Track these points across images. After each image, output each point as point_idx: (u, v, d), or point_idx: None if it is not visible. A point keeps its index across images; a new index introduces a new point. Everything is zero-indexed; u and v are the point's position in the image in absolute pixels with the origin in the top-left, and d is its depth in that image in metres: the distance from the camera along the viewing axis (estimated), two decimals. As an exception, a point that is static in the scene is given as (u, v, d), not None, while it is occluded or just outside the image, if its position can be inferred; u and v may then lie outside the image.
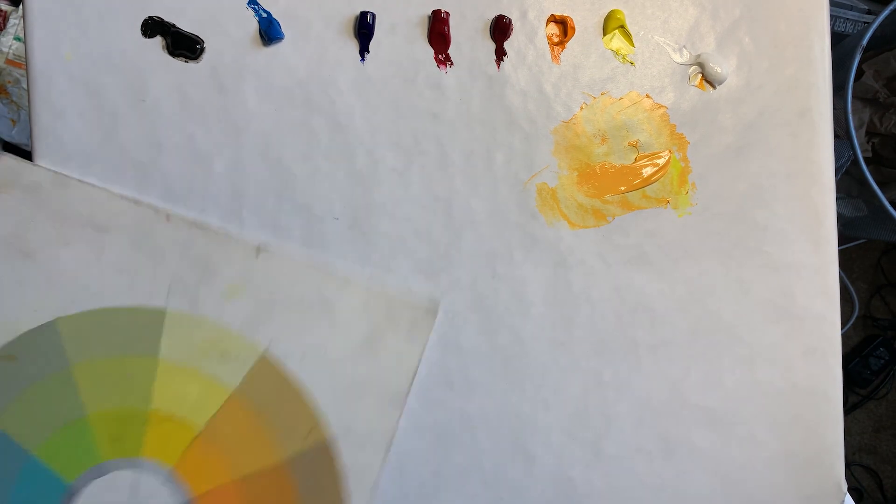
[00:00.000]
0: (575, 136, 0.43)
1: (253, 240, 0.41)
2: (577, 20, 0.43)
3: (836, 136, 0.88)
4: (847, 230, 1.03)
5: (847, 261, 1.23)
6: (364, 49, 0.42)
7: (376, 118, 0.43)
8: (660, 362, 0.44)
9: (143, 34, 0.42)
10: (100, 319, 0.40)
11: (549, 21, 0.43)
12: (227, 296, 0.41)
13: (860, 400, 1.22)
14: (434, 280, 0.43)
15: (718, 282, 0.44)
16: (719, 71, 0.43)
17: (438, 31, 0.42)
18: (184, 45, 0.42)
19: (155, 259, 0.41)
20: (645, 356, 0.44)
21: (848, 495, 0.45)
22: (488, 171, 0.43)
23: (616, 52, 0.43)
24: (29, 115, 0.41)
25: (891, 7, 0.86)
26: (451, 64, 0.43)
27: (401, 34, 0.42)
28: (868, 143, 1.01)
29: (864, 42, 0.86)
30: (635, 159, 0.44)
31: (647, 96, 0.44)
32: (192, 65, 0.42)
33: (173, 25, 0.42)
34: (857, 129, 0.91)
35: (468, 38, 0.43)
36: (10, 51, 0.87)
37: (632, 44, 0.43)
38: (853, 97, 0.95)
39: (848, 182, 0.99)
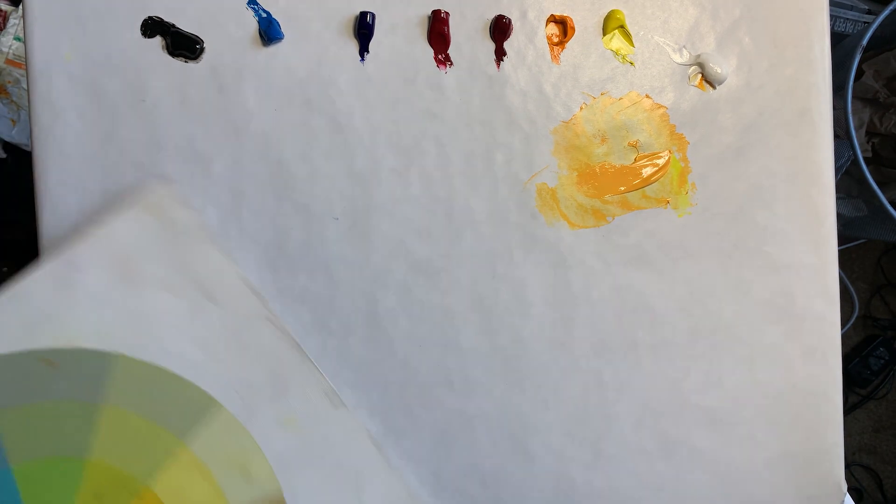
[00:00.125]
0: (575, 136, 0.43)
1: (334, 384, 0.40)
2: (577, 20, 0.43)
3: (836, 136, 0.88)
4: (847, 230, 1.03)
5: (847, 261, 1.23)
6: (364, 49, 0.42)
7: (376, 118, 0.43)
8: (660, 362, 0.44)
9: (143, 34, 0.42)
10: (155, 378, 0.38)
11: (548, 21, 0.43)
12: (282, 424, 0.39)
13: (860, 400, 1.22)
14: (434, 280, 0.43)
15: (718, 282, 0.44)
16: (719, 71, 0.43)
17: (438, 31, 0.42)
18: (184, 45, 0.42)
19: (240, 352, 0.39)
20: (645, 356, 0.44)
21: (848, 495, 0.45)
22: (488, 171, 0.43)
23: (616, 53, 0.43)
24: (29, 115, 0.41)
25: (891, 7, 0.86)
26: (451, 64, 0.43)
27: (401, 34, 0.42)
28: (868, 143, 1.01)
29: (864, 42, 0.86)
30: (635, 159, 0.44)
31: (647, 96, 0.44)
32: (192, 65, 0.42)
33: (173, 25, 0.42)
34: (857, 129, 0.91)
35: (468, 38, 0.43)
36: (10, 51, 0.87)
37: (632, 44, 0.43)
38: (853, 97, 0.95)
39: (848, 182, 0.99)
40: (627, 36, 0.43)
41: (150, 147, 0.41)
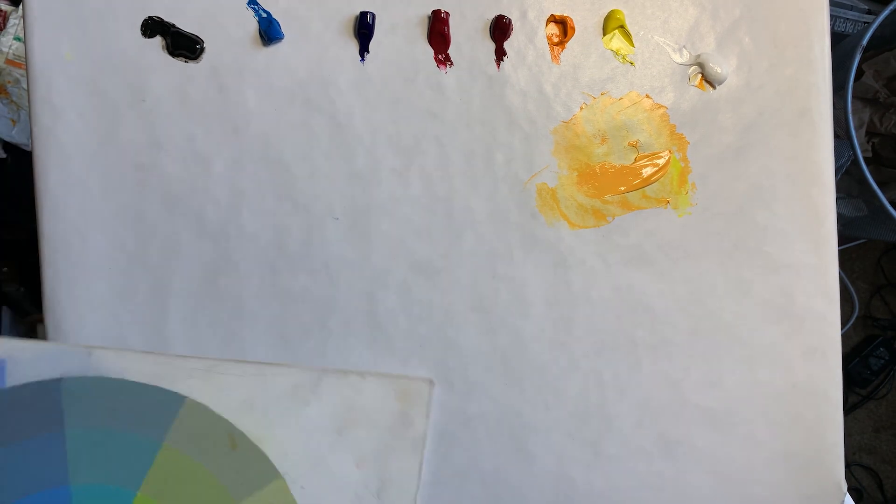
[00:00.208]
0: (575, 136, 0.43)
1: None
2: (577, 20, 0.43)
3: (836, 136, 0.88)
4: (847, 230, 1.03)
5: (847, 261, 1.23)
6: (364, 49, 0.42)
7: (376, 118, 0.43)
8: (660, 362, 0.44)
9: (143, 34, 0.42)
10: (225, 436, 0.39)
11: (549, 21, 0.43)
12: None
13: (860, 400, 1.22)
14: (434, 280, 0.43)
15: (718, 282, 0.44)
16: (719, 71, 0.43)
17: (438, 31, 0.42)
18: (184, 45, 0.42)
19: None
20: (645, 356, 0.44)
21: (848, 495, 0.45)
22: (488, 171, 0.43)
23: (616, 53, 0.43)
24: (29, 115, 0.41)
25: (891, 7, 0.86)
26: (451, 64, 0.43)
27: (401, 34, 0.42)
28: (868, 143, 1.01)
29: (864, 42, 0.86)
30: (635, 159, 0.44)
31: (647, 96, 0.44)
32: (192, 65, 0.42)
33: (173, 25, 0.42)
34: (857, 129, 0.91)
35: (468, 38, 0.43)
36: (10, 51, 0.87)
37: (632, 44, 0.43)
38: (853, 97, 0.95)
39: (848, 182, 0.99)
40: (627, 36, 0.43)
41: (150, 147, 0.41)
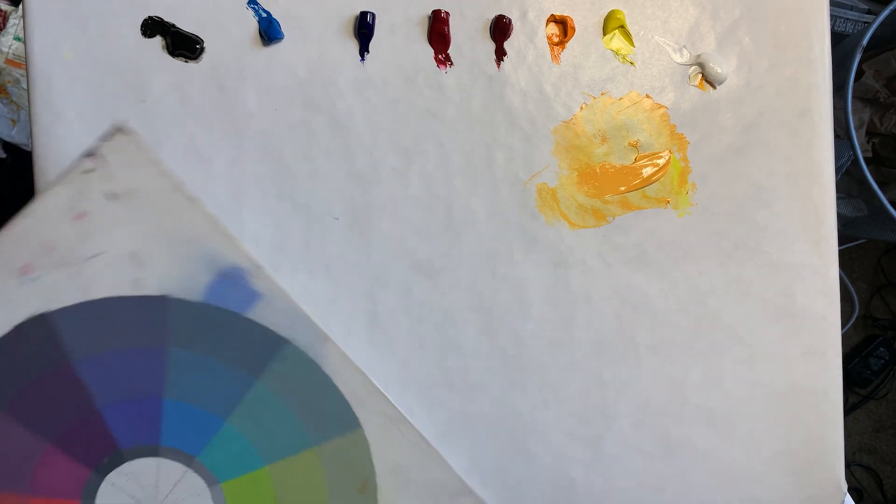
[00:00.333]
0: (575, 136, 0.43)
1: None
2: (577, 20, 0.43)
3: (836, 136, 0.88)
4: (847, 230, 1.03)
5: (847, 261, 1.23)
6: (364, 49, 0.42)
7: (376, 118, 0.43)
8: (660, 362, 0.44)
9: (143, 34, 0.42)
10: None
11: (549, 21, 0.43)
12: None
13: (860, 400, 1.22)
14: (434, 280, 0.43)
15: (718, 282, 0.44)
16: (719, 71, 0.43)
17: (438, 31, 0.42)
18: (184, 45, 0.42)
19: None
20: (645, 356, 0.44)
21: (848, 495, 0.45)
22: (488, 171, 0.43)
23: (616, 52, 0.43)
24: (29, 115, 0.41)
25: (891, 7, 0.86)
26: (451, 64, 0.43)
27: (401, 34, 0.42)
28: (868, 143, 1.01)
29: (864, 42, 0.86)
30: (635, 159, 0.44)
31: (647, 96, 0.44)
32: (192, 65, 0.42)
33: (173, 25, 0.42)
34: (857, 129, 0.91)
35: (468, 38, 0.43)
36: (10, 51, 0.87)
37: (632, 44, 0.43)
38: (853, 97, 0.95)
39: (848, 182, 0.99)
40: (628, 36, 0.43)
41: (150, 147, 0.41)
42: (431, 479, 0.41)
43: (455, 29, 0.43)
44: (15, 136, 0.93)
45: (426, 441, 0.41)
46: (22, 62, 0.88)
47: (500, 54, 0.43)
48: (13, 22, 0.88)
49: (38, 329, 0.38)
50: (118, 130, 0.36)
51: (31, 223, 0.37)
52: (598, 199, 0.44)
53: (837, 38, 0.97)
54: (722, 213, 0.44)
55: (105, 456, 0.39)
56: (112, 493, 0.39)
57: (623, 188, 0.44)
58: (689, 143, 0.44)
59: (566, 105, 0.43)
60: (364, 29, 0.42)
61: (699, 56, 0.44)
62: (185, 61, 0.42)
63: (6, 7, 0.88)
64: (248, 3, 0.42)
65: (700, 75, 0.44)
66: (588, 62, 0.43)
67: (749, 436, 0.44)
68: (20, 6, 0.86)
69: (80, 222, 0.36)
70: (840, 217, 0.86)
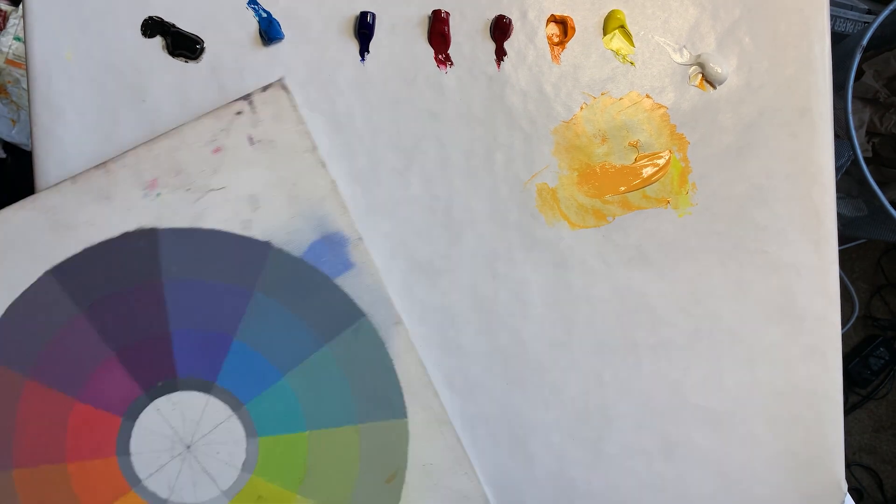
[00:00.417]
0: (575, 136, 0.43)
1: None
2: (577, 20, 0.43)
3: (836, 136, 0.88)
4: (847, 230, 1.03)
5: (847, 261, 1.23)
6: (364, 49, 0.42)
7: (376, 118, 0.43)
8: (660, 362, 0.44)
9: (143, 34, 0.42)
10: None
11: (549, 21, 0.43)
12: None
13: (860, 400, 1.22)
14: (434, 280, 0.43)
15: (718, 282, 0.44)
16: (719, 71, 0.43)
17: (438, 31, 0.42)
18: (184, 45, 0.42)
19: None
20: (645, 356, 0.44)
21: (848, 495, 0.45)
22: (488, 171, 0.43)
23: (616, 52, 0.43)
24: (29, 115, 0.41)
25: (891, 7, 0.87)
26: (451, 64, 0.43)
27: (401, 34, 0.42)
28: (868, 143, 1.01)
29: (864, 42, 0.86)
30: (635, 159, 0.44)
31: (648, 96, 0.44)
32: (192, 65, 0.42)
33: (173, 25, 0.42)
34: (857, 129, 0.91)
35: (468, 38, 0.43)
36: (10, 51, 0.87)
37: (632, 44, 0.43)
38: (853, 97, 0.95)
39: (848, 182, 0.99)
40: (628, 36, 0.43)
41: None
42: (458, 487, 0.42)
43: (455, 29, 0.43)
44: (15, 136, 0.93)
45: (463, 449, 0.42)
46: (22, 62, 0.88)
47: (500, 54, 0.43)
48: (13, 22, 0.88)
49: (144, 241, 0.39)
50: (279, 84, 0.39)
51: (172, 144, 0.39)
52: (598, 199, 0.44)
53: (837, 38, 0.97)
54: (722, 213, 0.44)
55: (160, 380, 0.40)
56: (154, 418, 0.40)
57: (623, 188, 0.44)
58: (689, 143, 0.44)
59: (566, 105, 0.43)
60: (364, 29, 0.42)
61: (699, 56, 0.44)
62: (185, 61, 0.42)
63: (6, 7, 0.88)
64: (248, 3, 0.42)
65: (700, 75, 0.44)
66: (588, 62, 0.43)
67: (749, 436, 0.44)
68: (20, 6, 0.86)
69: (215, 155, 0.39)
70: (840, 217, 0.86)
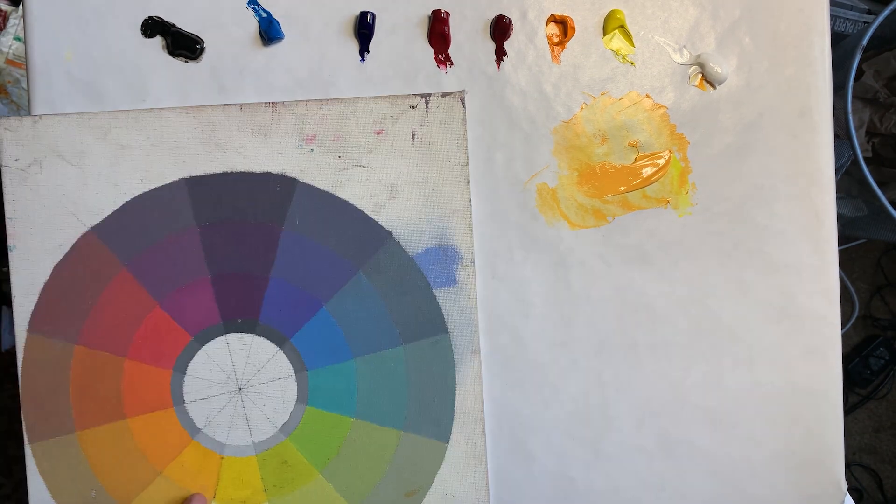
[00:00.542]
0: (575, 136, 0.43)
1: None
2: (577, 20, 0.43)
3: (836, 136, 0.88)
4: (847, 230, 1.03)
5: (847, 261, 1.23)
6: (364, 49, 0.42)
7: (376, 118, 0.42)
8: (660, 362, 0.44)
9: (143, 34, 0.42)
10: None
11: (549, 21, 0.43)
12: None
13: (860, 400, 1.22)
14: (434, 280, 0.43)
15: (718, 282, 0.44)
16: (719, 71, 0.43)
17: (438, 31, 0.42)
18: (184, 45, 0.42)
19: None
20: (645, 356, 0.44)
21: (848, 495, 0.45)
22: (488, 171, 0.43)
23: (616, 52, 0.43)
24: (29, 115, 0.41)
25: (891, 7, 0.86)
26: (451, 64, 0.43)
27: (401, 34, 0.42)
28: (868, 143, 1.01)
29: (864, 42, 0.86)
30: (635, 159, 0.44)
31: (647, 96, 0.44)
32: (192, 65, 0.42)
33: (173, 25, 0.42)
34: (857, 129, 0.91)
35: (468, 38, 0.43)
36: (10, 51, 0.87)
37: (632, 44, 0.43)
38: (853, 97, 0.95)
39: (848, 182, 0.99)
40: (628, 36, 0.43)
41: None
42: None
43: (455, 29, 0.43)
44: (15, 136, 0.92)
45: (488, 494, 0.43)
46: (22, 62, 0.88)
47: (500, 54, 0.43)
48: (13, 22, 0.88)
49: (281, 186, 0.41)
50: (458, 94, 0.41)
51: (343, 111, 0.41)
52: (598, 199, 0.44)
53: (837, 38, 0.97)
54: (722, 213, 0.44)
55: (241, 317, 0.41)
56: (205, 364, 0.41)
57: (623, 188, 0.44)
58: (689, 143, 0.44)
59: (566, 105, 0.43)
60: (364, 29, 0.42)
61: (699, 56, 0.44)
62: (185, 61, 0.42)
63: (6, 7, 0.88)
64: (248, 3, 0.42)
65: (700, 75, 0.44)
66: (588, 62, 0.43)
67: (749, 436, 0.44)
68: (20, 6, 0.86)
69: (376, 136, 0.40)
70: (840, 217, 0.86)
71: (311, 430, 0.42)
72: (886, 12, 0.86)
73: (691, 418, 0.44)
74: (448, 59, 0.43)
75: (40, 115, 0.40)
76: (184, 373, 0.41)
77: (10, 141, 0.40)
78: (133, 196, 0.40)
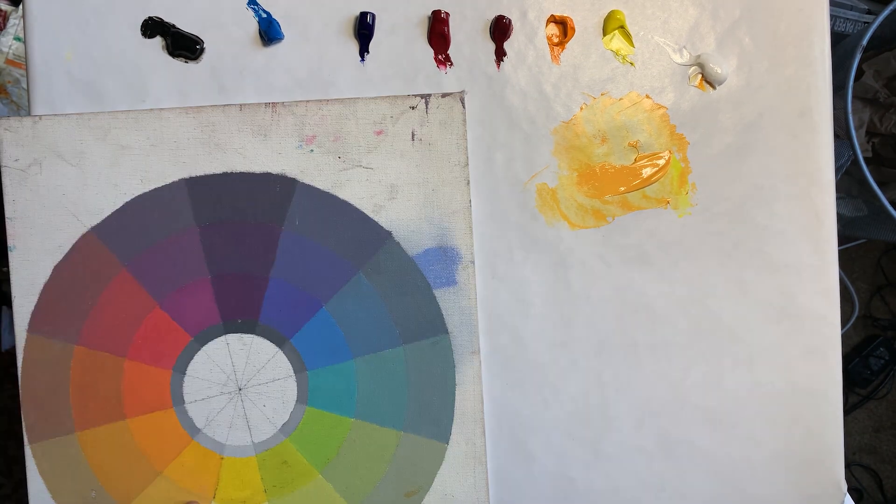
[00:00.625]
0: (575, 136, 0.43)
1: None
2: (577, 20, 0.43)
3: (836, 136, 0.88)
4: (847, 230, 1.03)
5: (847, 261, 1.23)
6: (364, 49, 0.42)
7: (376, 118, 0.42)
8: (660, 362, 0.44)
9: (143, 34, 0.42)
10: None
11: (549, 21, 0.43)
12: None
13: (860, 400, 1.22)
14: (434, 280, 0.43)
15: (718, 282, 0.44)
16: (719, 71, 0.43)
17: (438, 31, 0.42)
18: (184, 45, 0.42)
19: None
20: (645, 356, 0.44)
21: (848, 495, 0.45)
22: (488, 171, 0.43)
23: (616, 53, 0.43)
24: (29, 115, 0.41)
25: (891, 7, 0.86)
26: (451, 64, 0.43)
27: (401, 34, 0.42)
28: (868, 143, 1.01)
29: (864, 42, 0.86)
30: (635, 160, 0.44)
31: (647, 97, 0.44)
32: (192, 65, 0.42)
33: (173, 25, 0.42)
34: (857, 129, 0.91)
35: (468, 38, 0.43)
36: (10, 51, 0.87)
37: (632, 44, 0.43)
38: (853, 97, 0.95)
39: (848, 182, 0.99)
40: (627, 36, 0.43)
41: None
42: None
43: (455, 29, 0.43)
44: (15, 136, 0.92)
45: (488, 494, 0.43)
46: (22, 62, 0.88)
47: (500, 54, 0.43)
48: (13, 22, 0.88)
49: (280, 187, 0.41)
50: (458, 95, 0.41)
51: (343, 111, 0.41)
52: (598, 200, 0.44)
53: (837, 38, 0.97)
54: (722, 213, 0.44)
55: (241, 317, 0.41)
56: (205, 365, 0.41)
57: (623, 188, 0.44)
58: (689, 143, 0.44)
59: (566, 105, 0.43)
60: (364, 29, 0.42)
61: (699, 56, 0.44)
62: (185, 61, 0.42)
63: (6, 7, 0.88)
64: (248, 3, 0.42)
65: (700, 75, 0.44)
66: (588, 62, 0.43)
67: (749, 436, 0.44)
68: (20, 6, 0.86)
69: (376, 136, 0.40)
70: (840, 217, 0.86)
71: (310, 430, 0.42)
72: (886, 12, 0.86)
73: (691, 418, 0.44)
74: (448, 59, 0.43)
75: (40, 116, 0.40)
76: (184, 373, 0.41)
77: (10, 141, 0.40)
78: (133, 196, 0.40)
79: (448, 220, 0.41)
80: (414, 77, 0.43)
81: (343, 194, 0.41)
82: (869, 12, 0.96)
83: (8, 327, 1.01)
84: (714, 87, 0.44)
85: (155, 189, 0.41)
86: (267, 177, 0.41)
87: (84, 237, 0.40)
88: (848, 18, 0.96)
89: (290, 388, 0.41)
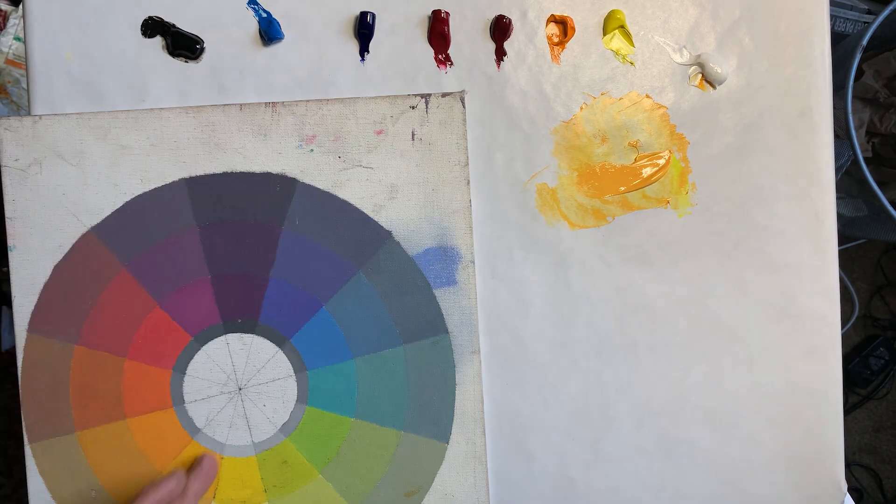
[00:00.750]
0: (575, 136, 0.43)
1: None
2: (577, 20, 0.43)
3: (836, 136, 0.88)
4: (847, 230, 1.03)
5: (847, 261, 1.23)
6: (364, 49, 0.42)
7: (376, 118, 0.42)
8: (660, 362, 0.44)
9: (143, 34, 0.42)
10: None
11: (549, 21, 0.43)
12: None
13: (860, 400, 1.22)
14: (434, 280, 0.43)
15: (718, 282, 0.44)
16: (719, 71, 0.43)
17: (438, 31, 0.42)
18: (184, 45, 0.42)
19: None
20: (645, 356, 0.44)
21: (848, 495, 0.45)
22: (488, 171, 0.43)
23: (616, 52, 0.43)
24: (29, 115, 0.41)
25: (891, 7, 0.86)
26: (451, 64, 0.43)
27: (401, 34, 0.42)
28: (868, 143, 1.01)
29: (864, 42, 0.86)
30: (635, 159, 0.44)
31: (647, 96, 0.44)
32: (192, 65, 0.42)
33: (173, 25, 0.42)
34: (857, 129, 0.91)
35: (468, 38, 0.43)
36: (10, 51, 0.87)
37: (632, 44, 0.43)
38: (853, 97, 0.95)
39: (848, 182, 0.99)
40: (627, 36, 0.43)
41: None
42: None
43: (455, 29, 0.43)
44: (15, 136, 0.92)
45: (488, 493, 0.43)
46: (22, 62, 0.88)
47: (500, 54, 0.43)
48: (13, 22, 0.88)
49: (280, 186, 0.41)
50: (458, 94, 0.41)
51: (343, 111, 0.41)
52: (598, 199, 0.44)
53: (837, 38, 0.97)
54: (722, 213, 0.44)
55: (241, 317, 0.41)
56: (205, 364, 0.41)
57: (623, 188, 0.44)
58: (689, 143, 0.44)
59: (566, 105, 0.43)
60: (364, 29, 0.42)
61: (699, 56, 0.44)
62: (185, 61, 0.42)
63: (6, 7, 0.88)
64: (248, 3, 0.42)
65: (700, 75, 0.44)
66: (588, 62, 0.43)
67: (749, 436, 0.44)
68: (20, 6, 0.86)
69: (376, 136, 0.40)
70: (840, 217, 0.86)
71: (310, 430, 0.42)
72: (886, 12, 0.86)
73: (691, 418, 0.44)
74: (448, 59, 0.43)
75: (40, 115, 0.40)
76: (184, 373, 0.41)
77: (10, 141, 0.40)
78: (133, 196, 0.40)
79: (448, 220, 0.41)
80: (414, 77, 0.43)
81: (343, 194, 0.41)
82: (869, 12, 0.96)
83: (8, 327, 1.01)
84: (714, 87, 0.44)
85: (155, 189, 0.41)
86: (267, 176, 0.41)
87: (84, 237, 0.40)
88: (848, 18, 0.96)
89: (290, 387, 0.41)
